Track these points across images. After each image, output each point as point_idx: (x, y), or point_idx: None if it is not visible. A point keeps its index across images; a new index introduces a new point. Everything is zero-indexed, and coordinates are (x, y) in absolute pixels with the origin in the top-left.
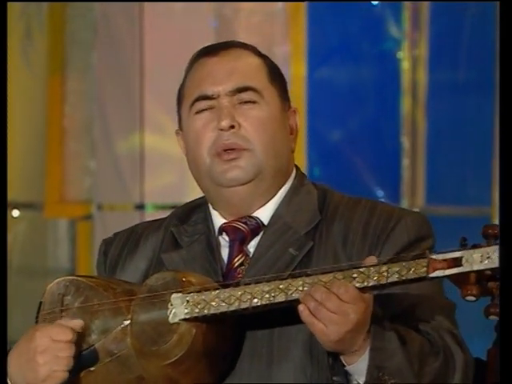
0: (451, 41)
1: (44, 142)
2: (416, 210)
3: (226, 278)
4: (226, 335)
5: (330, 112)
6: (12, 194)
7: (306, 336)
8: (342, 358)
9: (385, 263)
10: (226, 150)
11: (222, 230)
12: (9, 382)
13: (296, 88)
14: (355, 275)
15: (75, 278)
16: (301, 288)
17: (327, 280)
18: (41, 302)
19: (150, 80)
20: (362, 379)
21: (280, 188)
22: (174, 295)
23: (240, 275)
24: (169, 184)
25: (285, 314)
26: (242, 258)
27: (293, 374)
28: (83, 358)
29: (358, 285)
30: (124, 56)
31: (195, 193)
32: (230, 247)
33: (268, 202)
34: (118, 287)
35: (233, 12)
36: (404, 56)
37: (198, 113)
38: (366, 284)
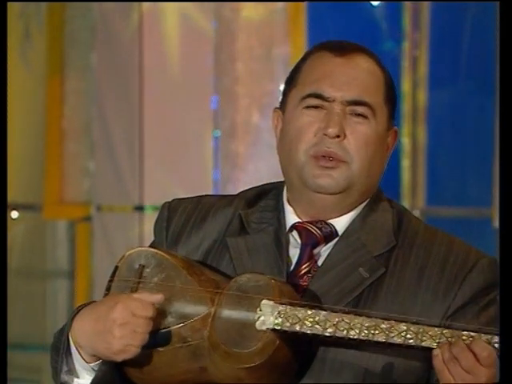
0: (451, 41)
1: (43, 143)
2: (416, 211)
3: (291, 282)
4: (299, 352)
5: None
6: (11, 195)
7: (360, 369)
8: None
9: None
10: (324, 156)
11: (294, 228)
12: (70, 338)
13: None
14: (464, 337)
15: (158, 251)
16: (403, 334)
17: (434, 334)
18: (116, 267)
19: (149, 80)
20: None
21: (362, 203)
22: (264, 301)
23: (305, 283)
24: (168, 186)
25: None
26: (311, 266)
27: None
28: (156, 338)
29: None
30: (123, 56)
31: (195, 193)
32: (301, 250)
33: (347, 213)
34: (203, 275)
35: (233, 12)
36: (404, 56)
37: (307, 107)
38: None
